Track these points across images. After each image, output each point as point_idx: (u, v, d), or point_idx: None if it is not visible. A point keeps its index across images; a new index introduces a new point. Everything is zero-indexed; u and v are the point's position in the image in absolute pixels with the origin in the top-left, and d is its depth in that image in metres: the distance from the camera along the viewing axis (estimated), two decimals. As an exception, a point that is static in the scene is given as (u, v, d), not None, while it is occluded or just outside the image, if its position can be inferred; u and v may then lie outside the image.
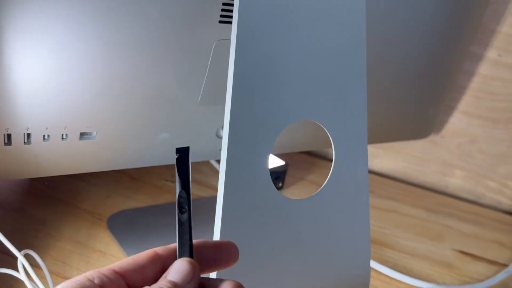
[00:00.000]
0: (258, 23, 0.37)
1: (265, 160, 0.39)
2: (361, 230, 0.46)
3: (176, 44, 0.40)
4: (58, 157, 0.44)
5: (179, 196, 0.31)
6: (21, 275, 0.41)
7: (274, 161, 0.73)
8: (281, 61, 0.39)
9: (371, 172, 0.87)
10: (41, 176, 0.46)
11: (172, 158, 0.54)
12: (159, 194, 0.67)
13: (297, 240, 0.43)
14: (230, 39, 0.41)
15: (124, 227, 0.58)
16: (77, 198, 0.63)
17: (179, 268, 0.29)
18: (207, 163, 0.78)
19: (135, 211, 0.62)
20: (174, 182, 0.74)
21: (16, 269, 0.42)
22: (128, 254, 0.53)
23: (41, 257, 0.44)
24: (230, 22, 0.41)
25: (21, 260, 0.41)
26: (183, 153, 0.32)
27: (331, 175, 0.44)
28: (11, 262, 0.48)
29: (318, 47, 0.40)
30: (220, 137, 0.52)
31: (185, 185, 0.31)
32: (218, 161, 0.77)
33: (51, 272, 0.45)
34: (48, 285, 0.43)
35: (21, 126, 0.39)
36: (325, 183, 0.44)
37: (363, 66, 0.44)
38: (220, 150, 0.56)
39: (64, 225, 0.57)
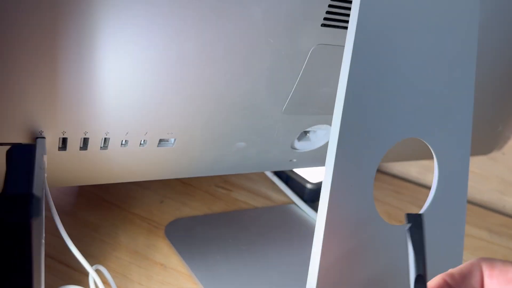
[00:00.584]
0: (376, 32, 0.33)
1: (370, 179, 0.36)
2: (454, 261, 0.43)
3: (273, 48, 0.36)
4: (133, 163, 0.41)
5: (418, 276, 0.27)
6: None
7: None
8: (396, 73, 0.35)
9: (425, 187, 0.83)
10: (114, 182, 0.43)
11: (242, 167, 0.52)
12: (213, 201, 0.64)
13: (390, 267, 0.39)
14: (330, 44, 0.38)
15: (183, 237, 0.55)
16: (130, 203, 0.60)
17: None
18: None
19: (192, 219, 0.59)
20: (225, 188, 0.71)
21: (84, 285, 0.39)
22: (191, 268, 0.50)
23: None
24: (334, 26, 0.37)
25: (93, 276, 0.38)
26: (417, 222, 0.28)
27: (432, 201, 0.40)
28: (74, 276, 0.45)
29: (432, 58, 0.37)
30: (295, 148, 0.49)
31: (422, 263, 0.28)
32: (274, 173, 0.73)
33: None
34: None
35: (101, 130, 0.36)
36: (425, 208, 0.40)
37: (472, 81, 0.41)
38: (291, 160, 0.53)
39: (119, 232, 0.54)
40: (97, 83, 0.33)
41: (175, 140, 0.40)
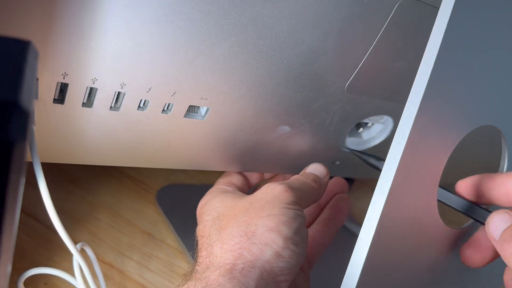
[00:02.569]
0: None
1: (438, 171, 0.28)
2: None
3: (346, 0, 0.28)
4: (148, 139, 0.31)
5: None
6: (77, 282, 0.28)
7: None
8: (487, 57, 0.28)
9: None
10: (114, 164, 0.32)
11: (274, 166, 0.42)
12: (212, 171, 0.53)
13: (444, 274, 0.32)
14: (419, 0, 0.30)
15: (176, 206, 0.45)
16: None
17: (316, 167, 0.35)
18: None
19: (188, 188, 0.48)
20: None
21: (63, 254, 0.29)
22: (184, 243, 0.41)
23: (74, 227, 0.34)
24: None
25: (77, 259, 0.27)
26: None
27: None
28: (52, 240, 0.36)
29: None
30: (343, 146, 0.40)
31: None
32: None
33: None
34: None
35: (115, 79, 0.26)
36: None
37: None
38: (334, 163, 0.43)
39: (102, 190, 0.44)
40: (106, 12, 0.24)
41: (207, 110, 0.30)
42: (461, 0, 0.25)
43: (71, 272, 0.31)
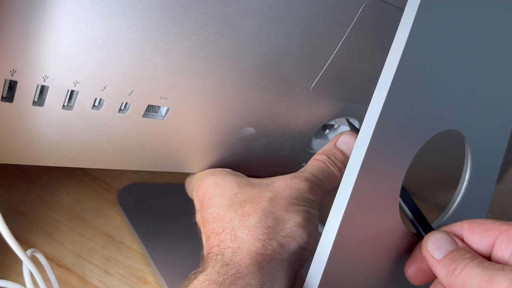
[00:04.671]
0: (441, 14, 0.26)
1: (400, 176, 0.28)
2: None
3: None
4: (102, 139, 0.29)
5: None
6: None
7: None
8: (450, 62, 0.28)
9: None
10: (72, 166, 0.31)
11: (239, 166, 0.41)
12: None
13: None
14: (385, 2, 0.29)
15: (138, 206, 0.43)
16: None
17: (349, 141, 0.34)
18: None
19: (151, 187, 0.47)
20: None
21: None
22: (145, 245, 0.39)
23: (30, 229, 0.33)
24: (397, -25, 0.28)
25: (27, 265, 0.26)
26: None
27: (457, 206, 0.33)
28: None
29: (494, 57, 0.31)
30: (309, 148, 0.39)
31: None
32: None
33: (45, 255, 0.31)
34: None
35: (68, 77, 0.25)
36: (449, 212, 0.34)
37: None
38: (300, 164, 0.43)
39: (61, 190, 0.42)
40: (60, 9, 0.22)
41: (167, 110, 0.29)
42: (426, 3, 0.25)
43: (22, 278, 0.29)
